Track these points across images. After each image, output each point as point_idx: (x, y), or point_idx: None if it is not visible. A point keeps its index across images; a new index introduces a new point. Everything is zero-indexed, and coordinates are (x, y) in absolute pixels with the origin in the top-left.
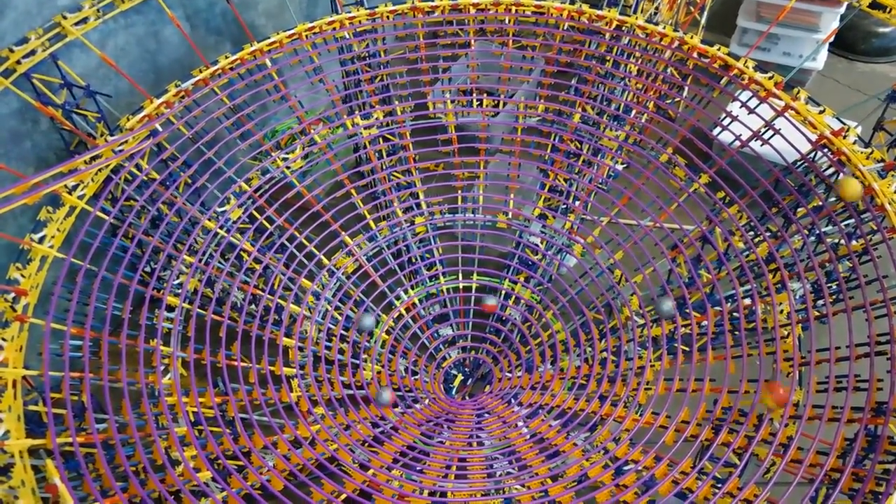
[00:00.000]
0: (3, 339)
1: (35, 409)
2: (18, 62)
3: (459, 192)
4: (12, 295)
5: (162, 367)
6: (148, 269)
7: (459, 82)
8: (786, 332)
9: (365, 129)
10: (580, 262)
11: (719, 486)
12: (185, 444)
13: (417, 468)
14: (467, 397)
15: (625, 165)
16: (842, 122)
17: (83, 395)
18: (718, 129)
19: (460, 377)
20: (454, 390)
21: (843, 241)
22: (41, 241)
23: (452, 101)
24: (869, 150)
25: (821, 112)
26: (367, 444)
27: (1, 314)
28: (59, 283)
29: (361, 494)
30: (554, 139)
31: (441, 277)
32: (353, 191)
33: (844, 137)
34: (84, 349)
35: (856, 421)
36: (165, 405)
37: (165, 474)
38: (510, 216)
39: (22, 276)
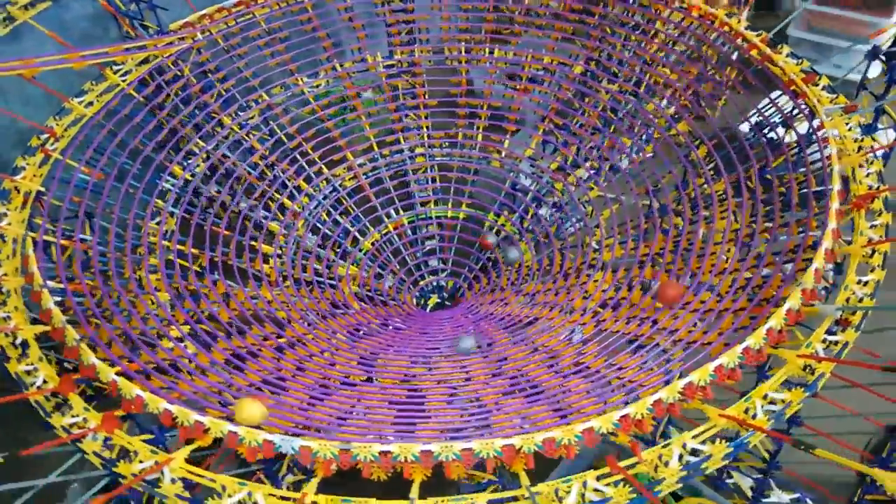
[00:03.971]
0: (27, 164)
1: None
2: None
3: (460, 129)
4: (45, 135)
5: (158, 218)
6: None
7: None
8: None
9: (384, 66)
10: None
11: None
12: (153, 270)
13: (359, 336)
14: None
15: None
16: (815, 71)
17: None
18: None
19: (435, 298)
20: (427, 309)
21: None
22: (80, 103)
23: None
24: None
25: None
26: (321, 316)
27: (34, 149)
28: (83, 132)
29: (298, 340)
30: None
31: (432, 204)
32: (362, 115)
33: (816, 85)
34: (89, 183)
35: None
36: (146, 237)
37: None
38: (503, 155)
39: (56, 124)
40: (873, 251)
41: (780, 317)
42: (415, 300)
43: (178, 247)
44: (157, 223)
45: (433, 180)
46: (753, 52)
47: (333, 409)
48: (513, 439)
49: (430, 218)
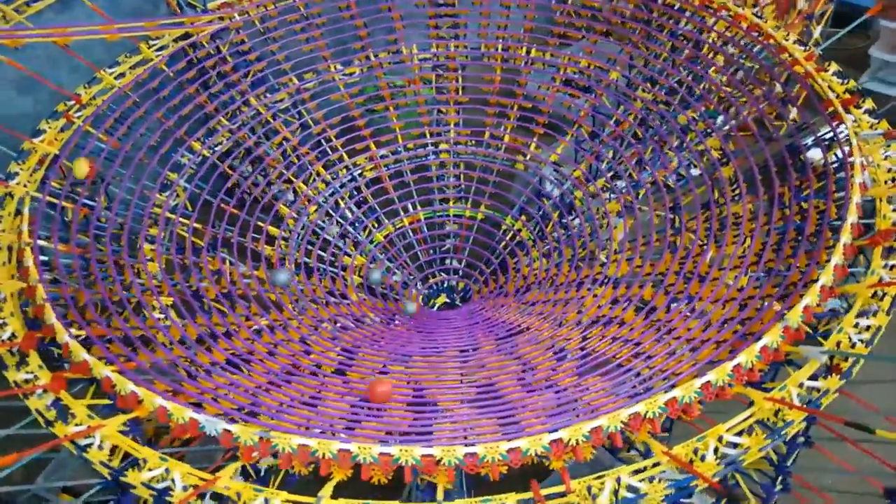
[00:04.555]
0: (49, 127)
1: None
2: None
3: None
4: (72, 101)
5: (170, 192)
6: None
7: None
8: None
9: (419, 58)
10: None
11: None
12: (151, 240)
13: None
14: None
15: (699, 173)
16: (860, 90)
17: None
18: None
19: (444, 297)
20: (435, 307)
21: None
22: (111, 74)
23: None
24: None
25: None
26: (314, 301)
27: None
28: (106, 101)
29: (284, 326)
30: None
31: (450, 201)
32: (391, 107)
33: (857, 107)
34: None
35: None
36: (153, 202)
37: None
38: (528, 158)
39: (84, 92)
40: (883, 293)
41: (753, 353)
42: (421, 297)
43: (182, 220)
44: (166, 196)
45: (456, 178)
46: (797, 69)
47: (287, 396)
48: (433, 450)
49: (448, 216)
